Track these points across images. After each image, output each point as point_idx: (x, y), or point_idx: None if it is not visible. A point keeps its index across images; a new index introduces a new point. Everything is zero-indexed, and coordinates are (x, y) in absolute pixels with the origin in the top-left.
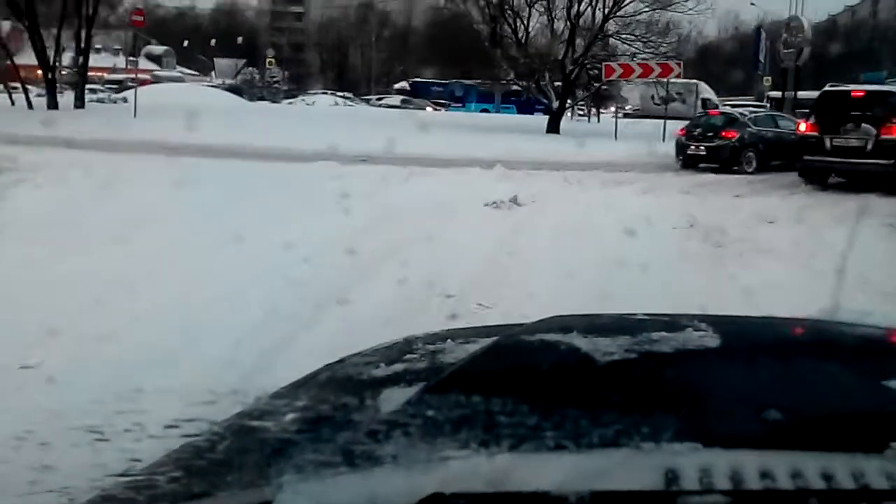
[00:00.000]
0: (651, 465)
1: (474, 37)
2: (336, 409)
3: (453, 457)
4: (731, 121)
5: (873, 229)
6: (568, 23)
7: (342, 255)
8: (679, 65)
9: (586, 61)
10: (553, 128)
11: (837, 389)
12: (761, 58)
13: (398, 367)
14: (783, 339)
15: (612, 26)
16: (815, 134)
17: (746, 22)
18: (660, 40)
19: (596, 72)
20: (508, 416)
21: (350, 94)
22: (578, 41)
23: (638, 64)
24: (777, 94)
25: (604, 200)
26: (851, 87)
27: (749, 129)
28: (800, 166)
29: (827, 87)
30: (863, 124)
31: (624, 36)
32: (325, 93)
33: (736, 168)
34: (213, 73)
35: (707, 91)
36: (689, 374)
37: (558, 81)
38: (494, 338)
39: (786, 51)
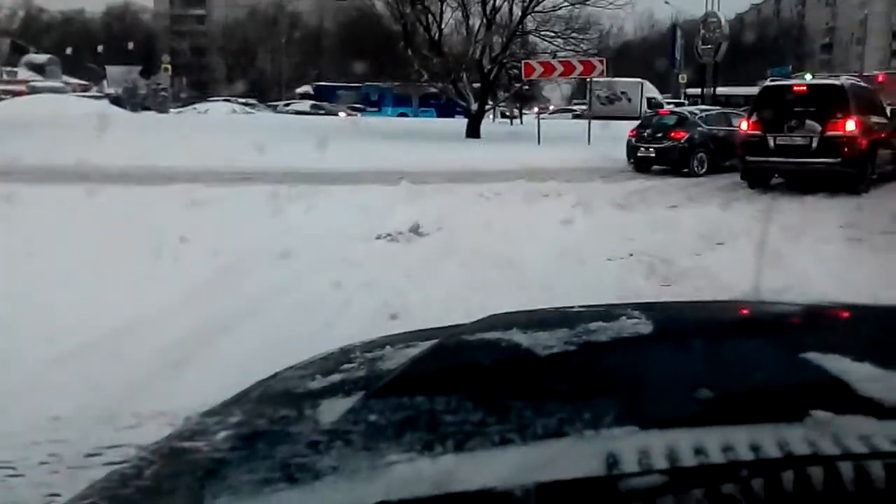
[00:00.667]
0: (592, 451)
1: (384, 36)
2: (272, 424)
3: (397, 462)
4: (680, 120)
5: (838, 246)
6: (484, 19)
7: (125, 355)
8: (602, 62)
9: (505, 60)
10: (473, 132)
11: (761, 364)
12: (677, 55)
13: (336, 377)
14: (711, 320)
15: (530, 23)
16: (758, 133)
17: (661, 21)
18: (580, 37)
19: (516, 71)
20: (452, 416)
21: (254, 101)
22: (496, 39)
23: (559, 62)
24: (696, 90)
25: (525, 222)
26: (793, 81)
27: (699, 128)
28: (742, 168)
29: (767, 83)
30: (807, 121)
31: (543, 32)
32: (226, 99)
33: (686, 170)
34: (104, 82)
35: (652, 90)
36: (624, 360)
37: (477, 83)
38: (434, 340)
39: (704, 46)
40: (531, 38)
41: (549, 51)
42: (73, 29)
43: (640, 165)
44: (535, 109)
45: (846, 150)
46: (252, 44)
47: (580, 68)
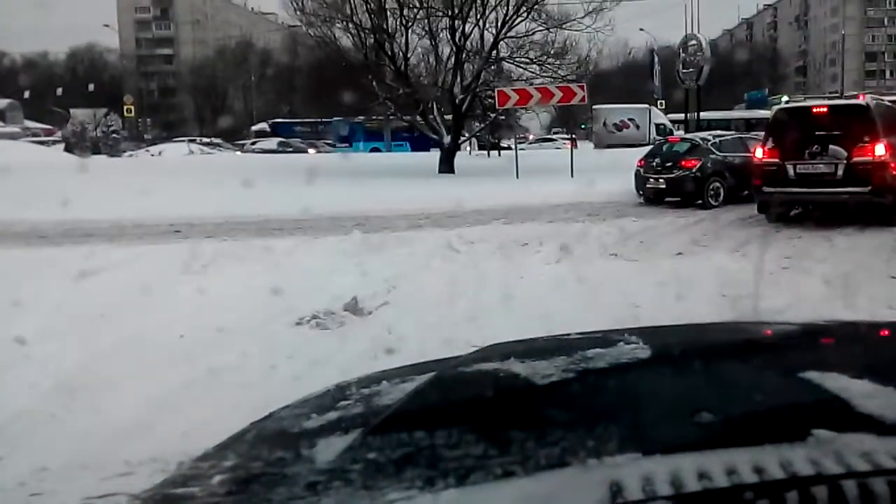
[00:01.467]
0: (595, 480)
1: (348, 68)
2: (269, 465)
3: (397, 500)
4: (692, 148)
5: None
6: (453, 46)
7: None
8: (582, 87)
9: (478, 89)
10: (446, 167)
11: (760, 385)
12: (656, 81)
13: (332, 415)
14: (708, 343)
15: (504, 49)
16: (775, 161)
17: (636, 48)
18: (557, 62)
19: (490, 100)
20: (452, 450)
21: (219, 141)
22: (468, 67)
23: (536, 89)
24: (678, 116)
25: (500, 287)
26: (810, 102)
27: (713, 155)
28: (760, 200)
29: (781, 105)
30: (830, 146)
31: (519, 60)
32: (190, 139)
33: (700, 202)
34: (68, 126)
35: (660, 116)
36: (624, 386)
37: (450, 114)
38: (431, 373)
39: (685, 70)
40: (506, 65)
41: (524, 78)
42: (37, 72)
43: (650, 198)
44: (511, 140)
45: (877, 177)
46: (221, 82)
47: (559, 95)
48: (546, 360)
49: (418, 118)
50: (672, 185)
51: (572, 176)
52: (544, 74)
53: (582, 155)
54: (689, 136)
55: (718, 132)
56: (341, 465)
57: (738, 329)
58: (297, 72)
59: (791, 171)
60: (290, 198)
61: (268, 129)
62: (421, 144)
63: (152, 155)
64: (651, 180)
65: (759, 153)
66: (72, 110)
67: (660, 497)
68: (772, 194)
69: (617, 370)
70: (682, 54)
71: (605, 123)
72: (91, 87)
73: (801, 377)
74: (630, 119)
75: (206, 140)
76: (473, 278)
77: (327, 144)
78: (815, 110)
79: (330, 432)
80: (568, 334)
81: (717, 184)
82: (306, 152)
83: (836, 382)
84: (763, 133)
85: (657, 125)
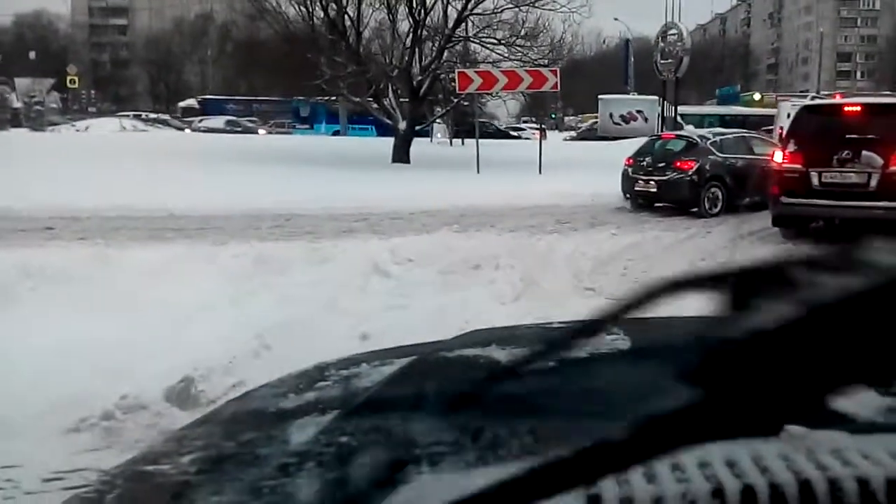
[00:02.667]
0: None
1: (292, 40)
2: (242, 445)
3: (368, 484)
4: (688, 146)
5: None
6: (411, 21)
7: None
8: (555, 73)
9: (440, 71)
10: (400, 157)
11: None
12: (630, 73)
13: (310, 395)
14: (687, 335)
15: (469, 28)
16: (798, 167)
17: (609, 37)
18: (528, 44)
19: (453, 84)
20: (427, 436)
21: (166, 116)
22: (429, 45)
23: (502, 72)
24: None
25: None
26: (841, 100)
27: (712, 156)
28: (776, 213)
29: (808, 101)
30: (864, 152)
31: (485, 40)
32: (123, 115)
33: (695, 209)
34: (13, 96)
35: (668, 109)
36: (602, 376)
37: (408, 98)
38: (412, 357)
39: (664, 61)
40: (471, 46)
41: (490, 60)
42: None
43: (639, 202)
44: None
45: None
46: (177, 56)
47: (528, 80)
48: (527, 347)
49: (370, 100)
50: (664, 189)
51: (540, 172)
52: (513, 57)
53: (552, 148)
54: (685, 132)
55: (718, 130)
56: (315, 448)
57: (726, 322)
58: (259, 46)
59: (815, 180)
60: (214, 187)
61: (196, 106)
62: (387, 129)
63: (77, 130)
64: (640, 182)
65: (777, 157)
66: (17, 80)
67: (635, 491)
68: (792, 206)
69: (595, 360)
70: (661, 44)
71: (611, 115)
72: (32, 55)
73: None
74: (638, 111)
75: (151, 116)
76: (396, 326)
77: (277, 125)
78: (846, 109)
79: (306, 413)
80: (550, 322)
81: (716, 189)
82: (256, 132)
83: None
84: (777, 133)
85: (665, 118)
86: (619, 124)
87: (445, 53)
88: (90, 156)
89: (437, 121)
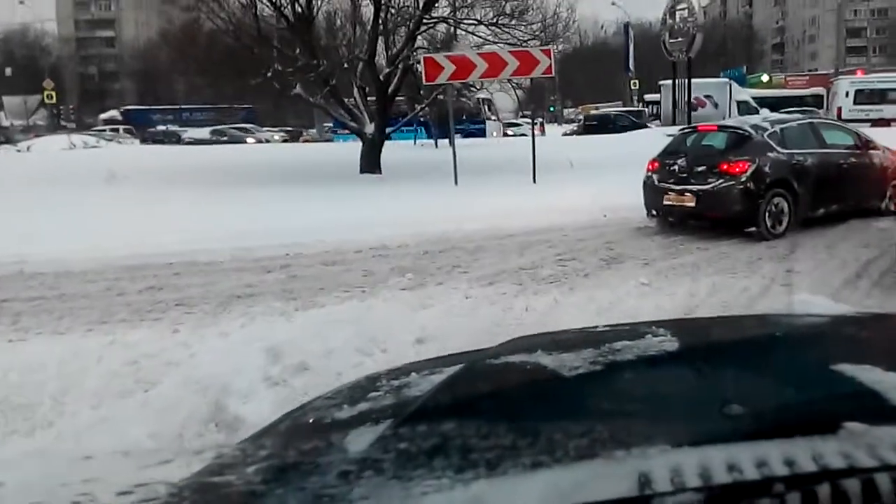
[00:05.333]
0: (624, 472)
1: (236, 33)
2: (303, 455)
3: (428, 489)
4: (739, 140)
5: None
6: (373, 2)
7: None
8: (547, 53)
9: (412, 60)
10: (370, 166)
11: (791, 377)
12: (631, 57)
13: (364, 405)
14: (737, 335)
15: (444, 6)
16: None
17: (607, 22)
18: (514, 23)
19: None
20: (481, 441)
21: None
22: (398, 31)
23: (481, 56)
24: (654, 96)
25: None
26: None
27: (773, 153)
28: None
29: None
30: None
31: (465, 21)
32: (114, 128)
33: (753, 228)
34: (1, 115)
35: (742, 92)
36: (652, 378)
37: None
38: (459, 365)
39: (673, 40)
40: (446, 27)
41: (474, 45)
42: None
43: (668, 218)
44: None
45: None
46: (164, 66)
47: (513, 64)
48: (573, 352)
49: (329, 100)
50: (707, 202)
51: (535, 181)
52: (500, 40)
53: (550, 146)
54: (731, 123)
55: (776, 115)
56: (373, 455)
57: (769, 321)
58: (197, 44)
59: None
60: (107, 223)
61: (119, 118)
62: (438, 129)
63: (19, 151)
64: (671, 193)
65: None
66: (4, 98)
67: (689, 489)
68: None
69: (645, 362)
70: (670, 20)
71: (686, 101)
72: (8, 71)
73: (832, 369)
74: (707, 96)
75: (121, 129)
76: None
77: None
78: None
79: (361, 423)
80: (595, 326)
81: (781, 199)
82: (244, 142)
83: (870, 374)
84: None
85: (739, 103)
86: (684, 112)
87: (419, 39)
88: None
89: (424, 118)
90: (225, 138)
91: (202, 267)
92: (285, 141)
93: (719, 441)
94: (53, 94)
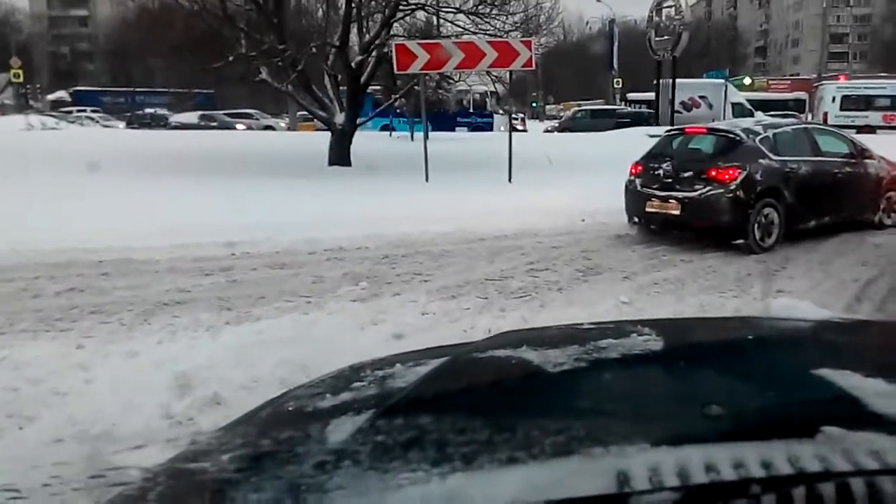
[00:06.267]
0: (602, 469)
1: (198, 14)
2: (280, 444)
3: (406, 483)
4: (728, 145)
5: None
6: None
7: None
8: (528, 45)
9: (386, 48)
10: (338, 158)
11: (771, 381)
12: (615, 56)
13: (346, 395)
14: (719, 337)
15: None
16: None
17: (593, 19)
18: (495, 13)
19: None
20: (461, 435)
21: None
22: (372, 18)
23: (456, 45)
24: (638, 95)
25: None
26: None
27: (765, 160)
28: None
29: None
30: None
31: (443, 9)
32: (80, 110)
33: (741, 240)
34: None
35: (736, 94)
36: (635, 377)
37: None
38: (444, 358)
39: (659, 38)
40: (424, 15)
41: (453, 34)
42: None
43: (651, 227)
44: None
45: None
46: (141, 47)
47: (491, 55)
48: (558, 348)
49: (297, 88)
50: (693, 211)
51: (510, 180)
52: (480, 30)
53: (529, 143)
54: (722, 126)
55: (769, 119)
56: (351, 446)
57: (752, 324)
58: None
59: None
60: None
61: (68, 99)
62: (444, 122)
63: None
64: (655, 200)
65: None
66: None
67: (667, 488)
68: None
69: (628, 361)
70: (656, 18)
71: (670, 101)
72: None
73: (812, 373)
74: (701, 97)
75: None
76: None
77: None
78: None
79: (342, 413)
80: (581, 324)
81: (771, 209)
82: (233, 128)
83: (848, 380)
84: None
85: (733, 104)
86: (679, 112)
87: (396, 27)
88: None
89: (399, 109)
90: (214, 124)
91: (136, 266)
92: (290, 129)
93: (698, 441)
94: (20, 72)
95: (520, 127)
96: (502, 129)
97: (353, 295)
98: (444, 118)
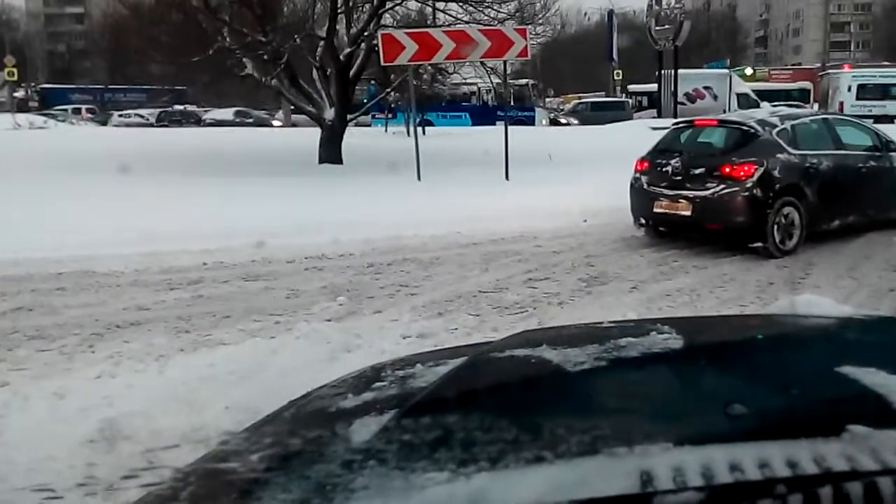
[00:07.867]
0: (626, 468)
1: (180, 5)
2: (306, 444)
3: (430, 482)
4: (743, 138)
5: None
6: None
7: None
8: (522, 34)
9: (375, 40)
10: (329, 155)
11: (795, 379)
12: (614, 47)
13: (368, 395)
14: (741, 335)
15: None
16: None
17: (591, 10)
18: (489, 1)
19: None
20: (484, 434)
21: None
22: (360, 9)
23: (447, 34)
24: (641, 87)
25: None
26: None
27: (783, 154)
28: None
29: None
30: None
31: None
32: (74, 108)
33: (759, 243)
34: None
35: (741, 84)
36: (656, 376)
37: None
38: (464, 358)
39: (659, 28)
40: (414, 4)
41: (445, 24)
42: None
43: (659, 229)
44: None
45: None
46: (136, 43)
47: (484, 45)
48: (578, 347)
49: (283, 82)
50: (704, 211)
51: (507, 178)
52: (474, 20)
53: (527, 137)
54: (734, 118)
55: (785, 110)
56: (376, 446)
57: (774, 321)
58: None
59: None
60: (17, 216)
61: (35, 97)
62: (485, 115)
63: None
64: (663, 200)
65: None
66: None
67: (691, 487)
68: None
69: (649, 359)
70: (656, 7)
71: (673, 93)
72: None
73: (836, 371)
74: (706, 87)
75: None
76: None
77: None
78: None
79: (366, 413)
80: (600, 322)
81: (792, 209)
82: (270, 125)
83: (874, 377)
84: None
85: (738, 95)
86: (682, 104)
87: (386, 17)
88: None
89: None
90: (250, 120)
91: (97, 279)
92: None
93: (722, 441)
94: (15, 70)
95: (563, 120)
96: (544, 123)
97: (329, 313)
98: (484, 112)
